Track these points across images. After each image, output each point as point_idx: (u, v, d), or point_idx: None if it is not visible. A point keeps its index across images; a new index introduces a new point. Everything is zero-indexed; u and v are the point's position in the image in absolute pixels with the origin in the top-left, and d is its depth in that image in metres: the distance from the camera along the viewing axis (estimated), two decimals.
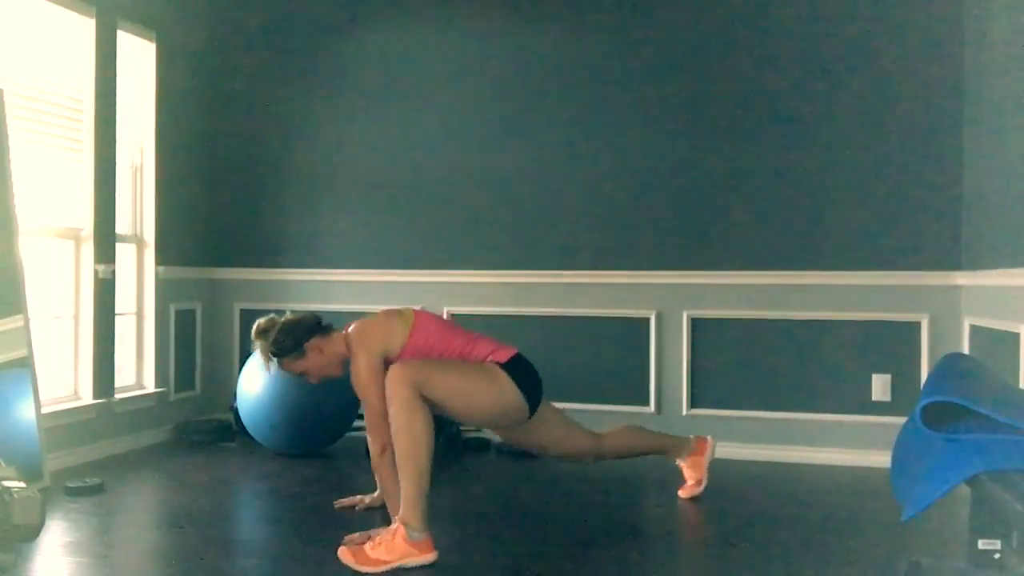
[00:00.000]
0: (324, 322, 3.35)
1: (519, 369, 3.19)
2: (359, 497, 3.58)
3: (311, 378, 3.37)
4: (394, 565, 2.81)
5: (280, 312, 4.77)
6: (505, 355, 3.21)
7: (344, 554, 2.85)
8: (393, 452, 3.00)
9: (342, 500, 3.60)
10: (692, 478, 3.72)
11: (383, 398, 3.05)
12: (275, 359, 3.29)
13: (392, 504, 3.13)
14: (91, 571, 2.84)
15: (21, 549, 2.90)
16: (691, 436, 3.76)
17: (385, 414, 3.05)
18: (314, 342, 3.27)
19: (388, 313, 3.30)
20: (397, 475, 3.00)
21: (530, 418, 3.27)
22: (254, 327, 3.33)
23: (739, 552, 3.08)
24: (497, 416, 3.23)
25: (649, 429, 3.75)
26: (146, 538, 3.32)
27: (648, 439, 3.68)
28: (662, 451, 3.71)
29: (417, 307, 3.50)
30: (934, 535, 3.17)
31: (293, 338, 3.26)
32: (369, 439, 3.22)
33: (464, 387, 3.08)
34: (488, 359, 3.19)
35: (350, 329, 3.27)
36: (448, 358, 3.18)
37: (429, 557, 2.86)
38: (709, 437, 3.77)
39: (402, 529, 2.85)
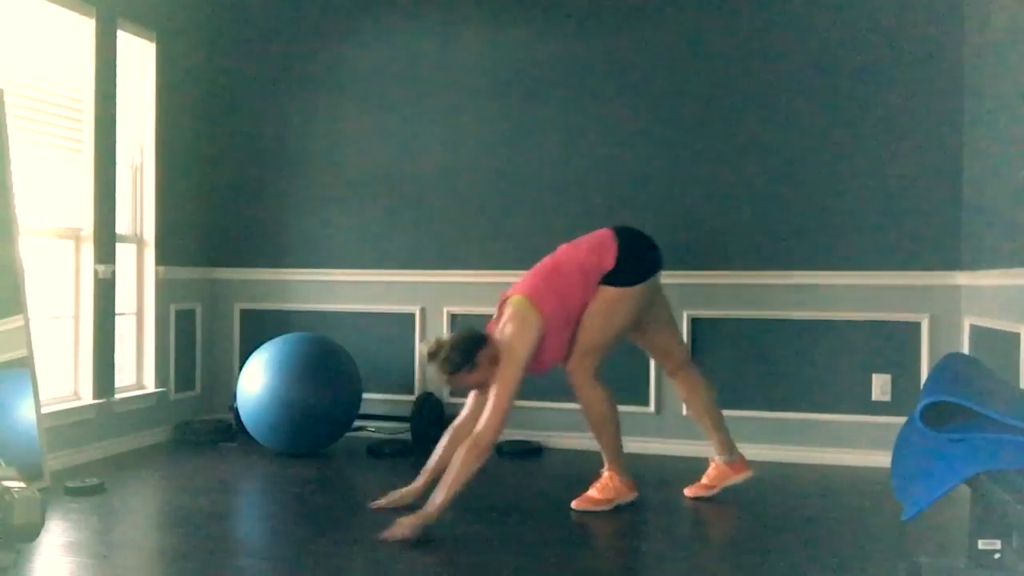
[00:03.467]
0: (480, 332, 3.49)
1: (629, 258, 3.56)
2: (396, 493, 3.58)
3: (480, 387, 3.49)
4: (614, 504, 3.56)
5: (280, 311, 4.78)
6: (611, 259, 3.53)
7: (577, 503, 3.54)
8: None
9: (379, 502, 3.58)
10: (709, 481, 3.79)
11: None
12: (447, 376, 3.43)
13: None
14: (91, 571, 2.84)
15: (21, 549, 2.90)
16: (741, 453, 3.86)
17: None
18: (483, 353, 3.39)
19: (517, 317, 3.43)
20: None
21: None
22: (424, 352, 3.48)
23: (740, 552, 3.08)
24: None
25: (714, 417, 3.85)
26: (146, 538, 3.32)
27: (715, 417, 3.82)
28: (715, 436, 3.81)
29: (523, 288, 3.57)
30: (934, 535, 3.17)
31: (464, 354, 3.39)
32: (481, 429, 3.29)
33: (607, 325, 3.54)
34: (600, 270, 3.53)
35: (500, 339, 3.42)
36: (575, 301, 3.51)
37: (634, 495, 3.63)
38: (750, 469, 3.84)
39: (616, 475, 3.59)
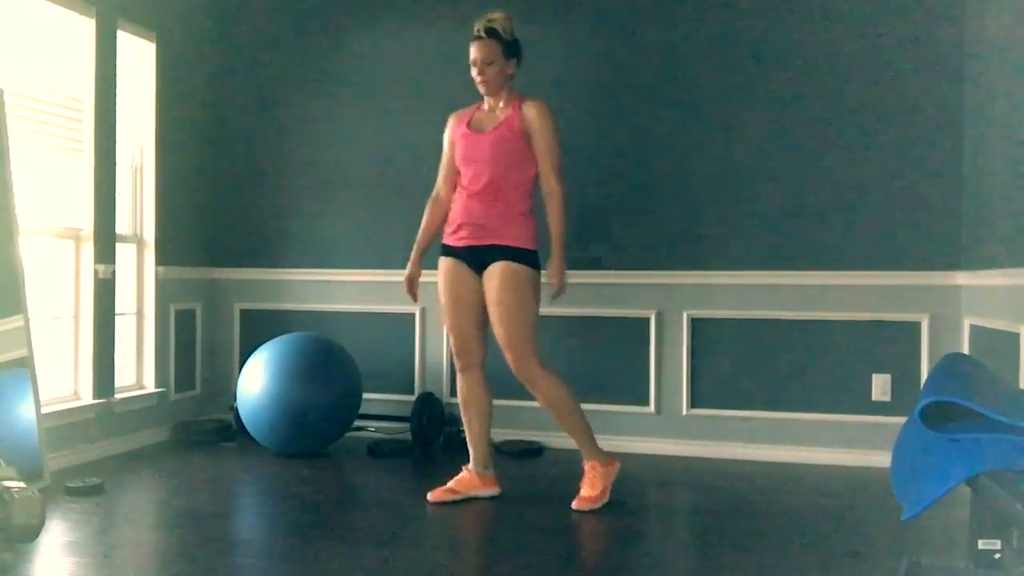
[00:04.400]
0: None
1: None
2: (410, 278, 4.04)
3: (483, 74, 3.69)
4: (608, 491, 3.60)
5: (279, 311, 4.79)
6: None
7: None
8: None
9: (412, 292, 4.02)
10: (457, 485, 3.72)
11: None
12: (497, 36, 3.65)
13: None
14: (91, 571, 2.84)
15: (21, 549, 2.90)
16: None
17: None
18: (515, 63, 3.73)
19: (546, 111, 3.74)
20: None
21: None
22: (498, 14, 3.68)
23: (739, 552, 3.08)
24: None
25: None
26: (146, 538, 3.32)
27: (488, 427, 3.81)
28: (483, 448, 3.77)
29: None
30: (934, 535, 3.17)
31: (517, 44, 3.72)
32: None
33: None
34: None
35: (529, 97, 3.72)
36: None
37: (617, 464, 3.71)
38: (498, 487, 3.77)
39: (597, 464, 3.62)
